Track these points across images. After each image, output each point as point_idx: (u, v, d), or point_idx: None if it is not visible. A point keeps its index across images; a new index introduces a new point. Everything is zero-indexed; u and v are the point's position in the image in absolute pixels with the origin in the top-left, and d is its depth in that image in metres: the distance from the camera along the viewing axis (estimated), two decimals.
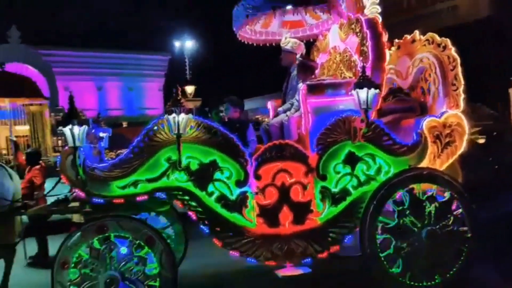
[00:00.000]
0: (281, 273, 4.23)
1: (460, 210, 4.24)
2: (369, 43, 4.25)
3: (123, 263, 3.64)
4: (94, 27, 31.69)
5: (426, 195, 4.16)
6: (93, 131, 4.45)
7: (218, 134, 3.96)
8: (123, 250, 3.65)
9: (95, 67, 28.78)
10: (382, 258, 4.07)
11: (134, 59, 29.89)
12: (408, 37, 5.13)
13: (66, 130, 3.51)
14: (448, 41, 4.58)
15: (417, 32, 4.99)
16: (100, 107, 29.56)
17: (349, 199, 4.18)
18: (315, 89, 4.28)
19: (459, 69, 4.48)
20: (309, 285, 4.53)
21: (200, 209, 3.95)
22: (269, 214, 4.04)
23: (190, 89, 19.51)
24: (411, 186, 4.15)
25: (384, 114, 4.89)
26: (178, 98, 3.69)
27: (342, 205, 4.17)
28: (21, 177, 6.40)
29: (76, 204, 4.05)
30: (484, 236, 4.31)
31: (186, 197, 3.93)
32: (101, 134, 4.76)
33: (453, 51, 4.52)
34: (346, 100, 4.20)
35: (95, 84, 29.71)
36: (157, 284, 3.69)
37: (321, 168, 4.12)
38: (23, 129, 14.26)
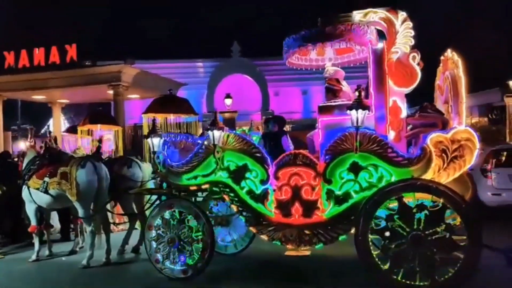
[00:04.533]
0: (286, 252, 5.35)
1: (455, 220, 4.55)
2: (371, 67, 4.97)
3: (179, 229, 5.50)
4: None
5: (416, 203, 4.64)
6: (189, 140, 6.48)
7: (248, 144, 5.40)
8: (179, 220, 5.51)
9: (301, 73, 31.60)
10: (374, 255, 4.76)
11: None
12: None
13: (149, 140, 5.61)
14: (459, 61, 4.80)
15: (449, 50, 5.25)
16: (305, 110, 32.74)
17: (351, 201, 5.00)
18: (324, 110, 5.26)
19: (463, 89, 4.68)
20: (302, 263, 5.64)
21: (236, 199, 5.46)
22: (284, 207, 5.24)
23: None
24: (402, 194, 4.69)
25: (412, 129, 5.42)
26: (215, 120, 5.32)
27: (344, 206, 5.03)
28: None
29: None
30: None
31: (227, 189, 5.50)
32: None
33: (460, 70, 4.74)
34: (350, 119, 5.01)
35: (301, 89, 32.52)
36: (200, 245, 5.42)
37: (327, 174, 5.08)
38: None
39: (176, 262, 5.49)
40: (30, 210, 6.77)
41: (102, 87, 18.30)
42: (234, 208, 5.52)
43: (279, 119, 6.42)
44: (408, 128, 5.57)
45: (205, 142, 5.52)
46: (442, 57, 5.54)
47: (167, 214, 5.59)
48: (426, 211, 4.60)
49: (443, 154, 4.74)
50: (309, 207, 5.15)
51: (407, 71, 5.34)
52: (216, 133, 5.30)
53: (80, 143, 10.65)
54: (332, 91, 5.66)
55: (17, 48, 18.36)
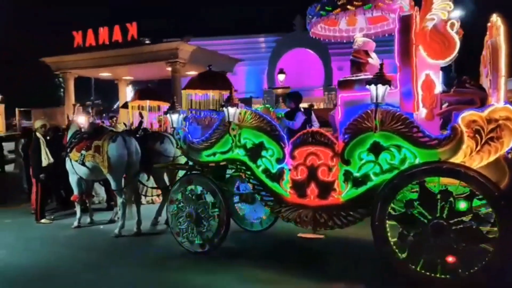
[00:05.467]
0: (300, 234, 5.09)
1: (486, 209, 4.05)
2: (396, 37, 4.48)
3: (198, 204, 5.47)
4: None
5: (440, 189, 4.18)
6: (215, 116, 6.39)
7: (265, 122, 5.18)
8: (197, 196, 5.47)
9: None
10: (391, 243, 4.39)
11: None
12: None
13: (168, 117, 5.57)
14: (501, 27, 4.15)
15: (494, 14, 4.57)
16: None
17: (370, 184, 4.62)
18: (344, 85, 4.85)
19: (503, 59, 4.05)
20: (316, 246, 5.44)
21: (252, 177, 5.30)
22: (299, 188, 4.99)
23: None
24: (425, 179, 4.24)
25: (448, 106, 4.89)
26: (230, 97, 5.15)
27: (363, 189, 4.66)
28: None
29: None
30: None
31: (243, 167, 5.35)
32: None
33: (501, 37, 4.10)
34: None
35: None
36: (215, 221, 5.36)
37: (346, 154, 4.72)
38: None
39: (194, 236, 5.49)
40: (72, 180, 7.15)
41: (161, 64, 18.83)
42: (250, 186, 5.36)
43: (294, 95, 6.08)
44: (445, 105, 5.02)
45: (224, 118, 5.37)
46: (488, 24, 4.86)
47: (189, 189, 5.57)
48: (451, 198, 4.13)
49: (477, 135, 4.18)
50: (325, 189, 4.85)
51: (443, 41, 4.75)
52: (231, 110, 5.13)
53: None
54: (356, 64, 5.22)
55: (84, 27, 19.35)
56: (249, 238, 6.33)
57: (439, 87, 4.92)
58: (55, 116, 21.97)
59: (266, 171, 5.19)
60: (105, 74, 21.70)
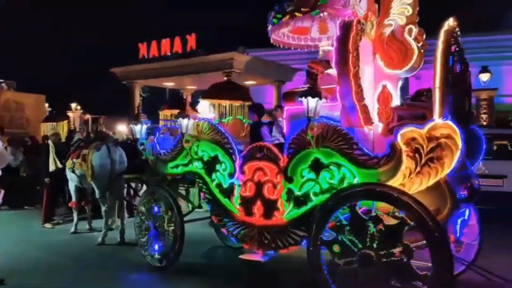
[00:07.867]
0: (242, 256, 4.76)
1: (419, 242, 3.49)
2: (334, 45, 4.08)
3: (155, 217, 5.44)
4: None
5: (369, 215, 3.70)
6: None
7: (220, 134, 5.01)
8: (156, 209, 5.44)
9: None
10: (325, 271, 3.97)
11: None
12: None
13: (132, 127, 5.63)
14: (442, 30, 3.57)
15: (451, 19, 3.96)
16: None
17: (310, 205, 4.25)
18: (288, 97, 4.51)
19: (438, 68, 3.47)
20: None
21: (207, 191, 5.15)
22: (247, 205, 4.73)
23: (485, 76, 16.31)
24: (357, 202, 3.78)
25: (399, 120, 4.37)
26: (184, 107, 5.07)
27: (303, 209, 4.31)
28: None
29: None
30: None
31: (200, 181, 5.22)
32: None
33: (439, 40, 3.53)
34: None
35: None
36: (171, 236, 5.27)
37: (289, 171, 4.40)
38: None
39: (153, 250, 5.46)
40: (71, 187, 7.53)
41: (218, 74, 19.25)
42: (207, 201, 5.21)
43: (256, 107, 5.73)
44: None
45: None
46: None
47: (146, 201, 5.58)
48: (381, 226, 3.63)
49: (416, 155, 3.65)
50: (270, 207, 4.55)
51: (400, 49, 4.27)
52: (184, 122, 5.05)
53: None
54: (309, 75, 4.82)
55: (149, 39, 20.52)
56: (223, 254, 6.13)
57: (396, 100, 4.39)
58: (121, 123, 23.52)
59: (219, 185, 5.02)
60: (168, 83, 22.72)
